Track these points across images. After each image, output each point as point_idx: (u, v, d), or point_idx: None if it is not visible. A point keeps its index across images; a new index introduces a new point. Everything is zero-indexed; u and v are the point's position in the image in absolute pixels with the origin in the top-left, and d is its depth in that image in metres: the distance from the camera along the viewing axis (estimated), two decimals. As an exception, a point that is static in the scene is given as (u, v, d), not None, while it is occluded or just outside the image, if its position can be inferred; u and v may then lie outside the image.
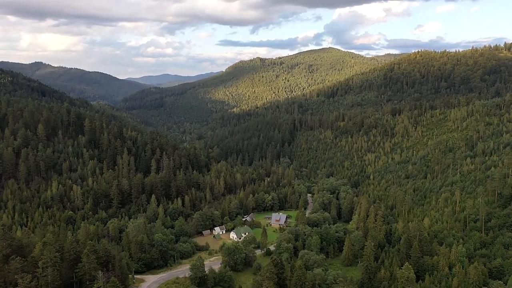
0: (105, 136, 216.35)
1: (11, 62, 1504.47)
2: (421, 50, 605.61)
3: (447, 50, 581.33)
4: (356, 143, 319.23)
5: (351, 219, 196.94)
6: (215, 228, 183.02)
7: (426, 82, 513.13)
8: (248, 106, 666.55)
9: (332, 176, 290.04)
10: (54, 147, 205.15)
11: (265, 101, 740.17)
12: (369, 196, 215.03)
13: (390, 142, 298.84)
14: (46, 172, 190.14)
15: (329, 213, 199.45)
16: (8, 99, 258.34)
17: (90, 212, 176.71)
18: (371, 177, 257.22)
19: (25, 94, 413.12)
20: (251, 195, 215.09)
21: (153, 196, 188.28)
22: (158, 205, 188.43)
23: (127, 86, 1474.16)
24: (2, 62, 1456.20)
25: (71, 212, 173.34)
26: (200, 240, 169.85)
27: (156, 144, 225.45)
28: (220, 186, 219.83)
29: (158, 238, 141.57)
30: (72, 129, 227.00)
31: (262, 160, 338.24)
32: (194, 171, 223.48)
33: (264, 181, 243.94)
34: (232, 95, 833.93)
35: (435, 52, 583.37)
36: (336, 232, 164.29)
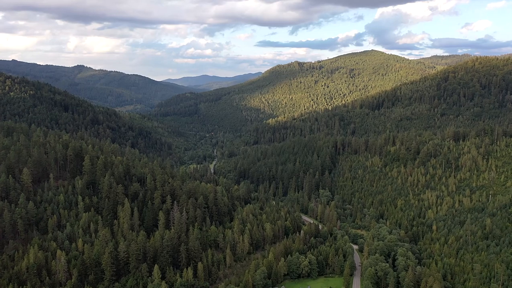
0: (106, 178, 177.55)
1: (55, 66, 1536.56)
2: (480, 56, 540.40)
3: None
4: (410, 176, 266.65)
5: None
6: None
7: (488, 95, 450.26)
8: (284, 117, 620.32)
9: (382, 219, 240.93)
10: (41, 196, 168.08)
11: (303, 109, 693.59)
12: (436, 265, 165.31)
13: (454, 177, 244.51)
14: (26, 232, 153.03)
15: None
16: (8, 126, 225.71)
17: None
18: (434, 227, 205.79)
19: (44, 109, 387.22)
20: (282, 258, 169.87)
21: (156, 266, 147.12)
22: (162, 278, 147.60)
23: (165, 89, 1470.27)
24: (47, 65, 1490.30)
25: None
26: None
27: (168, 189, 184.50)
28: (244, 244, 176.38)
29: None
30: (70, 168, 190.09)
31: (298, 191, 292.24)
32: (213, 225, 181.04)
33: (299, 233, 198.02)
34: (268, 102, 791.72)
35: (497, 58, 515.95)
36: None
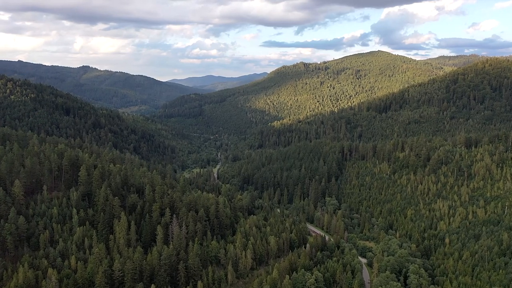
0: (102, 190, 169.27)
1: (61, 66, 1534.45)
2: (490, 58, 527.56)
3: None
4: (421, 184, 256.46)
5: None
6: None
7: (499, 97, 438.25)
8: (289, 119, 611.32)
9: (392, 229, 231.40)
10: (34, 209, 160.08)
11: (308, 111, 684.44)
12: (451, 283, 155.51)
13: (467, 186, 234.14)
14: (16, 248, 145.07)
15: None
16: (3, 133, 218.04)
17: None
18: (447, 240, 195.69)
19: (45, 113, 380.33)
20: (287, 275, 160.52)
21: (152, 286, 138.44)
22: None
23: (170, 90, 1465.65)
24: (53, 66, 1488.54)
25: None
26: None
27: (167, 201, 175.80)
28: (247, 260, 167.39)
29: None
30: (65, 178, 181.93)
31: (303, 198, 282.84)
32: (214, 239, 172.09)
33: (305, 247, 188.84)
34: (273, 104, 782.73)
35: (508, 60, 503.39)
36: None
